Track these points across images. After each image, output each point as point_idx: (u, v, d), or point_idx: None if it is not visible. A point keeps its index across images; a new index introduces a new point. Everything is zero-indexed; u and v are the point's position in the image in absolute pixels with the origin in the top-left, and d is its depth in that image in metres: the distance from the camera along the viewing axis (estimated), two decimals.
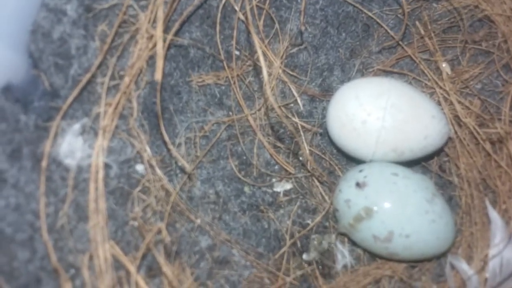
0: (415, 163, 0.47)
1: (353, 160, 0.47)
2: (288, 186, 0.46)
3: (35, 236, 0.35)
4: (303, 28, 0.47)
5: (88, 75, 0.37)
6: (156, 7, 0.39)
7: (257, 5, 0.45)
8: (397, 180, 0.41)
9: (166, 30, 0.40)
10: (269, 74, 0.46)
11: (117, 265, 0.36)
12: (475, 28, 0.47)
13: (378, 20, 0.48)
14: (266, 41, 0.46)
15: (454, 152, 0.47)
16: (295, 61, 0.48)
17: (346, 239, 0.45)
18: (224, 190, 0.44)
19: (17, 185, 0.35)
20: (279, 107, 0.46)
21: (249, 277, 0.42)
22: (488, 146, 0.45)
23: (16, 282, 0.34)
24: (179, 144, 0.42)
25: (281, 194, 0.45)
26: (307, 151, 0.46)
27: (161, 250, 0.38)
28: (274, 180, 0.46)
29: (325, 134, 0.47)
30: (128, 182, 0.39)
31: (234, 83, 0.45)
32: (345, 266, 0.45)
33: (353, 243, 0.45)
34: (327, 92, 0.48)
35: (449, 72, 0.48)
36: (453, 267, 0.43)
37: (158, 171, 0.40)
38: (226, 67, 0.45)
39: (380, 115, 0.42)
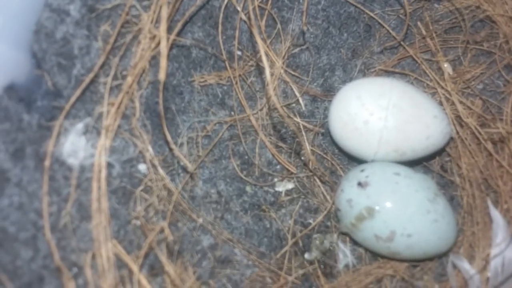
0: (416, 163, 0.47)
1: (355, 160, 0.47)
2: (290, 185, 0.46)
3: (38, 235, 0.35)
4: (305, 28, 0.47)
5: (91, 75, 0.38)
6: (158, 7, 0.39)
7: (259, 6, 0.45)
8: (399, 179, 0.41)
9: (168, 30, 0.40)
10: (271, 74, 0.46)
11: (120, 264, 0.36)
12: (476, 29, 0.47)
13: (380, 21, 0.48)
14: (268, 41, 0.46)
15: (456, 152, 0.47)
16: (297, 61, 0.48)
17: (348, 239, 0.45)
18: (226, 189, 0.44)
19: (20, 184, 0.35)
20: (281, 107, 0.46)
21: (251, 276, 0.42)
22: (489, 146, 0.45)
23: (19, 281, 0.34)
24: (181, 144, 0.42)
25: (283, 194, 0.45)
26: (309, 151, 0.46)
27: (163, 249, 0.38)
28: (276, 179, 0.46)
29: (327, 134, 0.47)
30: (130, 181, 0.39)
31: (236, 83, 0.45)
32: (347, 266, 0.45)
33: (355, 242, 0.45)
34: (329, 92, 0.48)
35: (451, 72, 0.48)
36: (455, 266, 0.43)
37: (160, 171, 0.40)
38: (228, 67, 0.45)
39: (382, 115, 0.42)
